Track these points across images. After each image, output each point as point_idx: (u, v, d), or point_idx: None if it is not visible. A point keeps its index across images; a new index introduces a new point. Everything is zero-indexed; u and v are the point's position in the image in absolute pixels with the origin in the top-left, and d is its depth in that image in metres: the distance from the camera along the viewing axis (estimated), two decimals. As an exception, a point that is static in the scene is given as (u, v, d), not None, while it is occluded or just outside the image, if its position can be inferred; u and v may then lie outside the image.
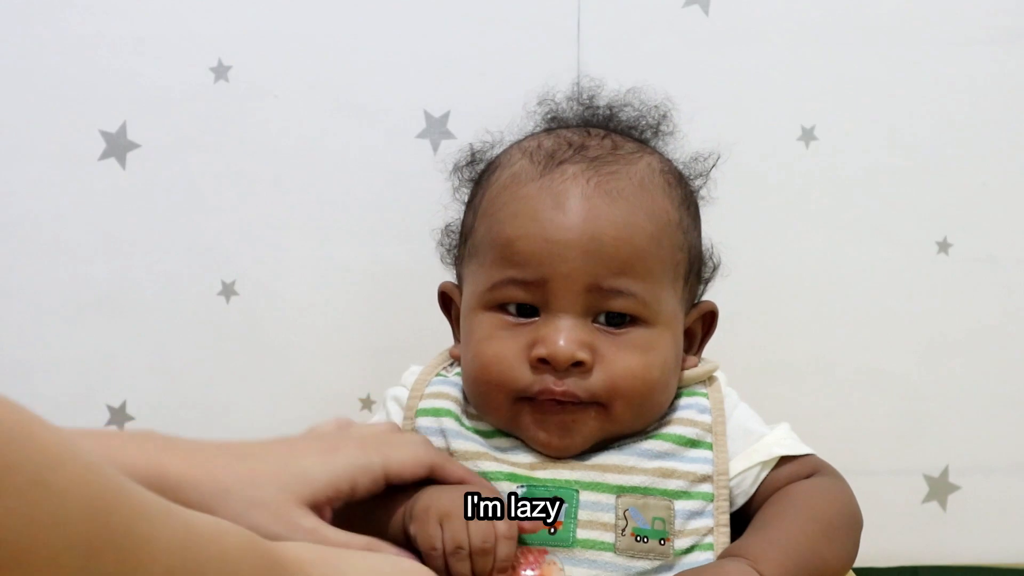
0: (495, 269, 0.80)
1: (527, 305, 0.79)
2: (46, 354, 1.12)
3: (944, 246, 1.14)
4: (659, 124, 0.89)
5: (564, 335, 0.76)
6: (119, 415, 1.12)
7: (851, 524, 0.80)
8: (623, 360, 0.78)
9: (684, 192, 0.86)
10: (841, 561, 0.78)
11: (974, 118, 1.14)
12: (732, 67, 1.12)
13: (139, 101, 1.11)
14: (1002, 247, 1.15)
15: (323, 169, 1.12)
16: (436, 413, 0.83)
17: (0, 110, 1.11)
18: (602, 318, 0.79)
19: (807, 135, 1.13)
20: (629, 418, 0.79)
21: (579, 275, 0.77)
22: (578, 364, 0.77)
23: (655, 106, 0.90)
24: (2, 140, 1.11)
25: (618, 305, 0.78)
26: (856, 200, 1.14)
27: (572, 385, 0.77)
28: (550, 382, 0.77)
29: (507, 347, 0.78)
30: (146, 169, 1.11)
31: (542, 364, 0.77)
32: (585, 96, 0.91)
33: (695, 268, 0.86)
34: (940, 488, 1.16)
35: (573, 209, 0.78)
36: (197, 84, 1.11)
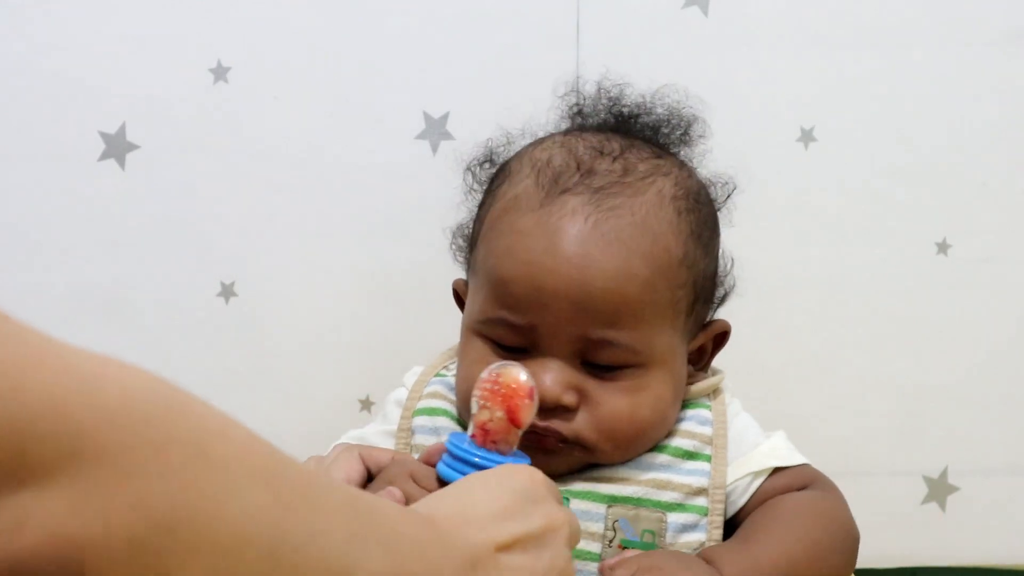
0: (488, 304, 0.79)
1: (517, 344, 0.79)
2: (45, 355, 1.11)
3: (943, 247, 1.14)
4: (688, 128, 0.87)
5: (550, 377, 0.75)
6: (118, 416, 1.12)
7: (843, 541, 0.77)
8: (610, 403, 0.77)
9: (698, 217, 0.83)
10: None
11: (974, 119, 1.14)
12: (731, 68, 1.12)
13: (138, 102, 1.11)
14: (1001, 248, 1.15)
15: (322, 170, 1.12)
16: (431, 412, 0.83)
17: (0, 111, 1.11)
18: (592, 360, 0.78)
19: (806, 136, 1.13)
20: (615, 456, 0.78)
21: (567, 325, 0.76)
22: (563, 406, 0.76)
23: (684, 108, 0.88)
24: (2, 141, 1.11)
25: (605, 356, 0.77)
26: (855, 201, 1.14)
27: (556, 424, 0.76)
28: (535, 419, 0.75)
29: None
30: (145, 170, 1.11)
31: None
32: (611, 95, 0.89)
33: (703, 296, 0.84)
34: (939, 489, 1.16)
35: (565, 255, 0.76)
36: (196, 85, 1.11)
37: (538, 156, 0.83)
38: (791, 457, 0.80)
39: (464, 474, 0.68)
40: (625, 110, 0.88)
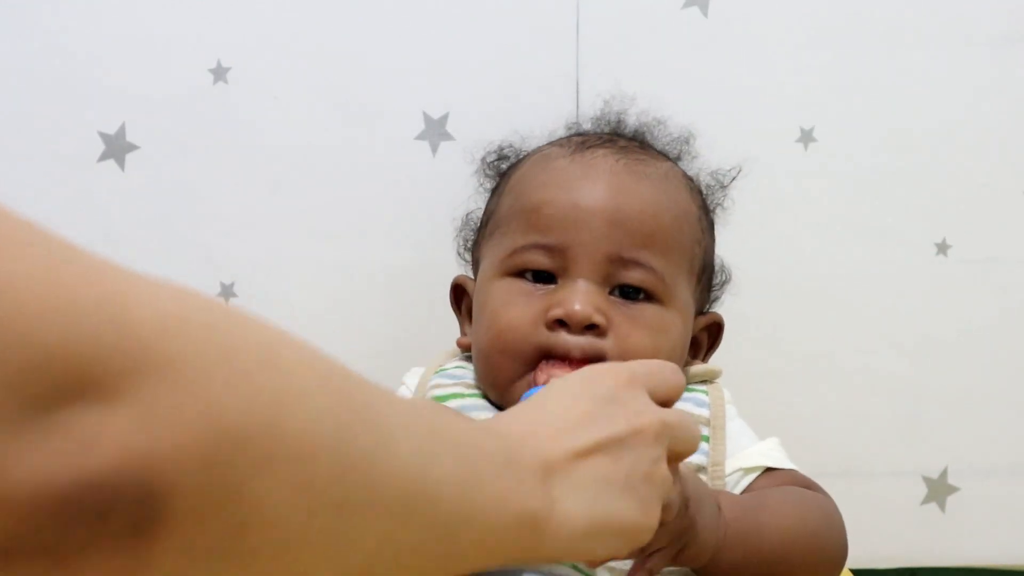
0: (519, 234, 0.81)
1: (545, 272, 0.80)
2: (45, 355, 1.11)
3: (943, 247, 1.14)
4: (680, 153, 0.92)
5: (580, 298, 0.77)
6: (118, 416, 1.12)
7: (836, 546, 0.77)
8: (635, 336, 0.78)
9: (702, 200, 0.88)
10: (806, 570, 0.75)
11: (974, 119, 1.13)
12: (731, 68, 1.12)
13: (138, 103, 1.11)
14: (1001, 248, 1.15)
15: (322, 171, 1.12)
16: (443, 400, 0.83)
17: (0, 111, 1.11)
18: (617, 291, 0.80)
19: (806, 137, 1.13)
20: None
21: (602, 243, 0.78)
22: (593, 327, 0.77)
23: (679, 136, 0.92)
24: (2, 141, 1.11)
25: (636, 277, 0.79)
26: (855, 202, 1.14)
27: (586, 345, 0.77)
28: (565, 342, 0.77)
29: (524, 313, 0.79)
30: (145, 171, 1.11)
31: (558, 325, 0.77)
32: (613, 116, 0.93)
33: (708, 272, 0.87)
34: (939, 490, 1.16)
35: (601, 180, 0.81)
36: (196, 86, 1.11)
37: (558, 140, 0.89)
38: (782, 462, 0.81)
39: None
40: (627, 132, 0.92)
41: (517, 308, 0.79)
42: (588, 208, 0.79)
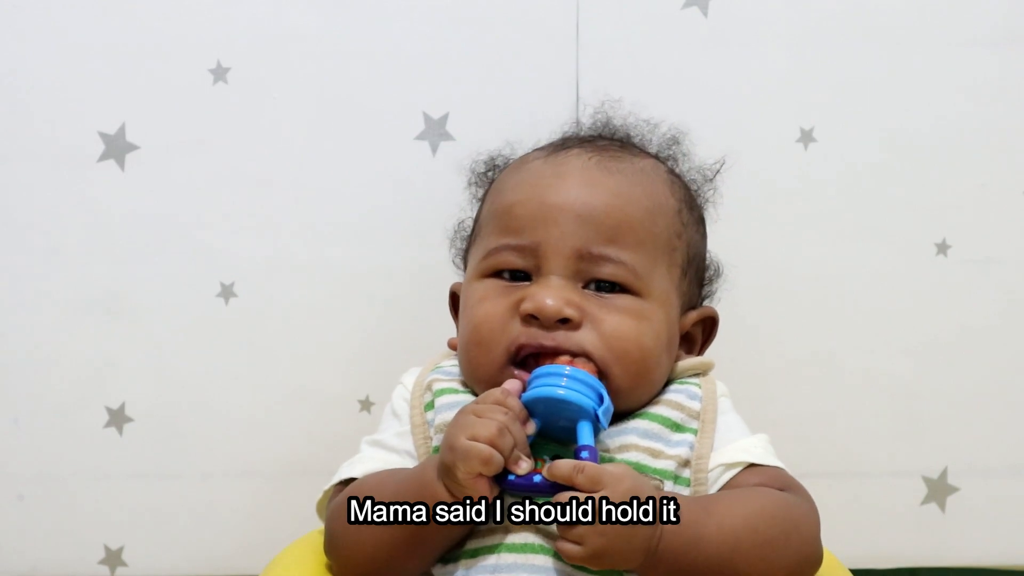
0: (494, 236, 0.83)
1: (520, 272, 0.82)
2: (45, 356, 1.11)
3: (943, 248, 1.14)
4: (673, 153, 0.92)
5: (552, 293, 0.78)
6: (118, 417, 1.12)
7: (795, 554, 0.76)
8: (612, 321, 0.79)
9: (686, 194, 0.88)
10: None
11: (973, 119, 1.14)
12: (731, 68, 1.12)
13: (138, 102, 1.11)
14: (1001, 249, 1.15)
15: (322, 171, 1.12)
16: (442, 393, 0.83)
17: (0, 111, 1.11)
18: (592, 286, 0.81)
19: (806, 137, 1.13)
20: (626, 388, 0.79)
21: (570, 239, 0.80)
22: (565, 321, 0.78)
23: (670, 136, 0.93)
24: (2, 141, 1.11)
25: (606, 272, 0.80)
26: (855, 202, 1.14)
27: (562, 339, 0.78)
28: (540, 336, 0.78)
29: (499, 305, 0.80)
30: (145, 171, 1.11)
31: (531, 319, 0.79)
32: (602, 119, 0.94)
33: (695, 265, 0.87)
34: (939, 490, 1.16)
35: (570, 178, 0.82)
36: (196, 86, 1.11)
37: (541, 145, 0.90)
38: (766, 458, 0.80)
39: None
40: (617, 133, 0.93)
41: (492, 302, 0.81)
42: (556, 206, 0.81)
